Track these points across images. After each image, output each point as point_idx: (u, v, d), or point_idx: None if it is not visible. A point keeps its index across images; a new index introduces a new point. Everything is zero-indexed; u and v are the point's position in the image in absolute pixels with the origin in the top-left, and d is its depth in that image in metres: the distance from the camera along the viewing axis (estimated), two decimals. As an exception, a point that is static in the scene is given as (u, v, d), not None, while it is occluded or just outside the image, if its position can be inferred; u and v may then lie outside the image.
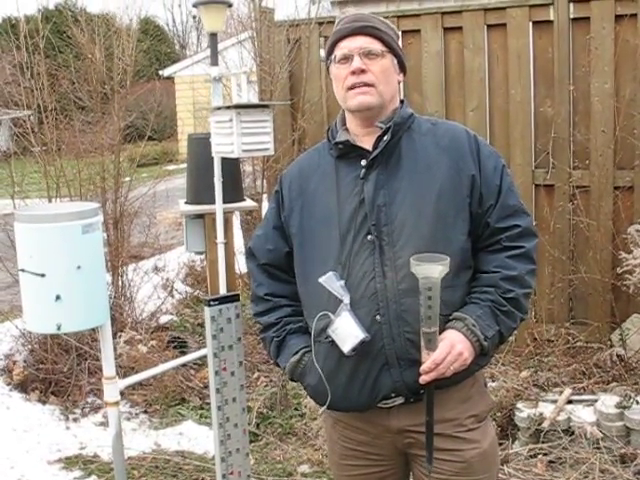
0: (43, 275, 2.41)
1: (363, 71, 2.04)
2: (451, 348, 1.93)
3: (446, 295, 1.94)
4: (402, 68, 2.16)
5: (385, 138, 2.06)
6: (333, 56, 2.12)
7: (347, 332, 1.99)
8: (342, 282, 2.02)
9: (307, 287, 2.14)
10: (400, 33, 4.37)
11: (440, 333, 1.95)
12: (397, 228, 2.02)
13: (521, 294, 2.05)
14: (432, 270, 1.86)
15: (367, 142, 2.10)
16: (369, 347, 2.00)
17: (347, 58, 2.06)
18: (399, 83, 2.17)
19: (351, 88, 2.06)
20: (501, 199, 2.07)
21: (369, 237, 2.03)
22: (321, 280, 2.02)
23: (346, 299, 2.01)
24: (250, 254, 2.31)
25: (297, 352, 2.15)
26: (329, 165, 2.16)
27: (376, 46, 2.06)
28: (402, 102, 2.17)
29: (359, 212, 2.05)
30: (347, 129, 2.16)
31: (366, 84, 2.04)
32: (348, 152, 2.11)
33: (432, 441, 2.01)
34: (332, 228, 2.08)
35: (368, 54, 2.05)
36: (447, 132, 2.13)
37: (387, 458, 2.18)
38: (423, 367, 1.93)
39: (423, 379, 1.94)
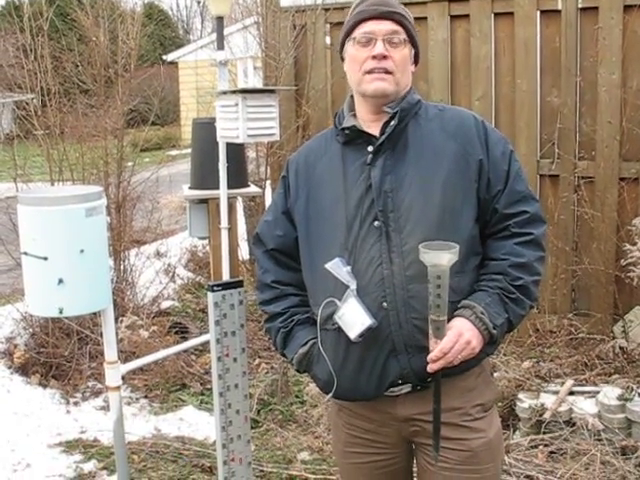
0: (46, 258, 2.40)
1: (385, 57, 2.01)
2: (459, 337, 1.91)
3: (455, 282, 1.92)
4: (416, 60, 2.15)
5: (392, 123, 2.04)
6: (352, 37, 2.07)
7: (354, 318, 1.98)
8: (349, 268, 2.00)
9: (313, 274, 2.12)
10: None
11: (448, 321, 1.93)
12: (404, 214, 2.00)
13: (530, 281, 2.03)
14: (441, 258, 1.84)
15: (374, 128, 2.08)
16: (376, 334, 1.98)
17: (369, 41, 2.03)
18: (412, 74, 2.15)
19: (369, 72, 2.03)
20: (509, 184, 2.05)
21: (376, 223, 2.01)
22: (327, 266, 2.01)
23: (353, 285, 1.99)
24: (257, 240, 2.29)
25: (305, 343, 2.14)
26: (336, 151, 2.14)
27: (400, 34, 2.04)
28: (411, 88, 2.15)
29: (366, 198, 2.03)
30: (354, 115, 2.14)
31: (386, 71, 2.02)
32: (355, 138, 2.09)
33: (439, 429, 2.00)
34: (339, 214, 2.06)
35: (391, 41, 2.03)
36: (454, 117, 2.11)
37: (392, 446, 2.17)
38: (430, 356, 1.91)
39: (431, 367, 1.92)
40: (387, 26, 2.03)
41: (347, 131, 2.10)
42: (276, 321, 2.21)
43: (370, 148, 2.06)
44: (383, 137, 2.04)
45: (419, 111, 2.11)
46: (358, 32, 2.06)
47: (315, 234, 2.13)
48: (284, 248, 2.22)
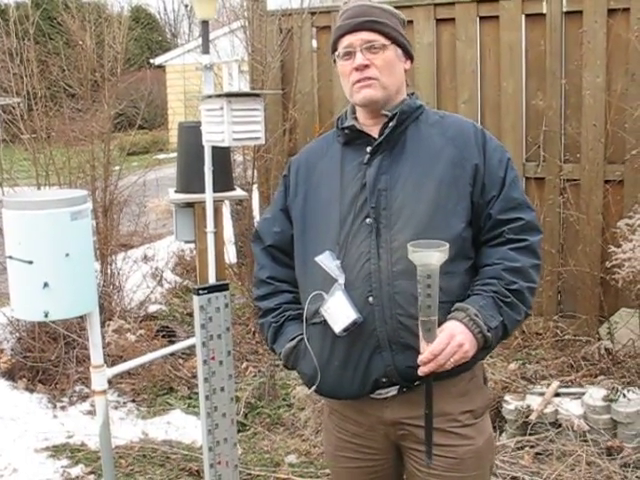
0: (31, 262, 2.39)
1: (366, 66, 2.05)
2: (450, 339, 1.88)
3: (443, 282, 1.89)
4: (408, 56, 2.17)
5: (391, 124, 2.07)
6: (337, 53, 2.13)
7: (339, 312, 1.99)
8: (338, 262, 2.02)
9: (305, 269, 2.14)
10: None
11: (440, 324, 1.90)
12: (396, 212, 2.02)
13: (525, 287, 2.01)
14: (430, 257, 1.81)
15: (374, 131, 2.12)
16: (361, 329, 1.99)
17: (350, 54, 2.08)
18: (406, 71, 2.17)
19: (356, 83, 2.07)
20: (504, 191, 2.06)
21: (368, 220, 2.04)
22: (317, 259, 2.03)
23: (341, 279, 2.00)
24: (256, 237, 2.33)
25: (293, 338, 2.15)
26: (336, 151, 2.18)
27: (377, 40, 2.07)
28: (412, 94, 2.19)
29: (360, 196, 2.06)
30: (356, 117, 2.17)
31: (370, 78, 2.06)
32: (355, 138, 2.13)
33: (432, 435, 1.97)
34: (333, 211, 2.10)
35: (370, 48, 2.06)
36: (454, 123, 2.14)
37: (380, 452, 2.17)
38: (421, 358, 1.88)
39: (421, 370, 1.89)
40: (363, 36, 2.06)
41: (347, 131, 2.14)
42: (268, 316, 2.24)
43: (368, 149, 2.09)
44: (381, 138, 2.08)
45: (420, 116, 2.14)
46: (340, 48, 2.11)
47: (310, 230, 2.16)
48: (281, 244, 2.25)
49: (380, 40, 2.07)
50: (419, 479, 2.12)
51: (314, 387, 2.11)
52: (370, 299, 2.00)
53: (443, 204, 2.02)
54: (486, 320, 1.94)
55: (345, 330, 1.99)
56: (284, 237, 2.24)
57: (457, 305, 1.98)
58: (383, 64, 2.07)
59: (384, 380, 2.04)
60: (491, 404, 4.06)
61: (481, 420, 2.14)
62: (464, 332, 1.92)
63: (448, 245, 1.85)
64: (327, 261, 2.02)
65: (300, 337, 2.13)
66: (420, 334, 1.89)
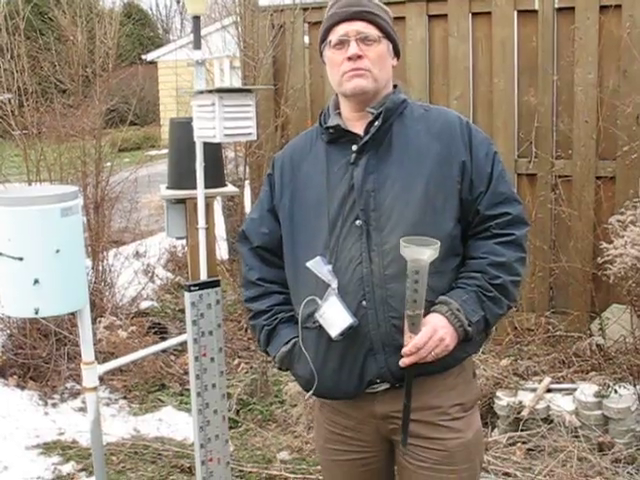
0: (21, 259, 2.38)
1: (360, 57, 2.03)
2: (433, 333, 1.92)
3: (433, 281, 1.92)
4: (396, 53, 2.16)
5: (376, 123, 2.05)
6: (328, 40, 2.10)
7: (335, 317, 1.99)
8: (329, 267, 2.01)
9: (296, 272, 2.13)
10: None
11: (425, 316, 1.94)
12: (385, 213, 2.01)
13: (508, 281, 2.04)
14: (421, 253, 1.84)
15: (359, 127, 2.09)
16: (355, 333, 1.99)
17: (343, 43, 2.05)
18: (393, 68, 2.16)
19: (347, 72, 2.05)
20: (492, 186, 2.06)
21: (357, 222, 2.03)
22: (308, 264, 2.02)
23: (334, 284, 2.00)
24: (243, 237, 2.30)
25: (288, 342, 2.14)
26: (320, 150, 2.15)
27: (372, 32, 2.05)
28: (395, 87, 2.17)
29: (349, 198, 2.05)
30: (339, 113, 2.15)
31: (363, 69, 2.04)
32: (339, 137, 2.11)
33: (408, 424, 2.01)
34: (322, 214, 2.07)
35: (365, 39, 2.04)
36: (439, 118, 2.12)
37: (371, 445, 2.18)
38: (404, 350, 1.93)
39: (403, 361, 1.94)
40: (358, 26, 2.04)
41: (331, 130, 2.11)
42: (260, 319, 2.22)
43: (354, 147, 2.07)
44: (367, 137, 2.06)
45: (404, 111, 2.12)
46: (332, 36, 2.08)
47: (299, 233, 2.14)
48: (269, 245, 2.23)
49: (375, 32, 2.06)
50: (409, 472, 2.13)
51: (311, 391, 2.11)
52: (363, 303, 2.00)
53: (432, 204, 2.01)
54: (467, 315, 1.97)
55: (341, 334, 1.99)
56: (272, 238, 2.22)
57: (440, 298, 2.00)
58: (376, 57, 2.06)
59: (377, 381, 2.06)
60: (480, 398, 4.07)
61: (470, 414, 2.16)
62: (446, 326, 1.95)
63: (439, 243, 1.87)
64: (318, 267, 2.02)
65: (295, 340, 2.13)
66: (405, 327, 1.93)
